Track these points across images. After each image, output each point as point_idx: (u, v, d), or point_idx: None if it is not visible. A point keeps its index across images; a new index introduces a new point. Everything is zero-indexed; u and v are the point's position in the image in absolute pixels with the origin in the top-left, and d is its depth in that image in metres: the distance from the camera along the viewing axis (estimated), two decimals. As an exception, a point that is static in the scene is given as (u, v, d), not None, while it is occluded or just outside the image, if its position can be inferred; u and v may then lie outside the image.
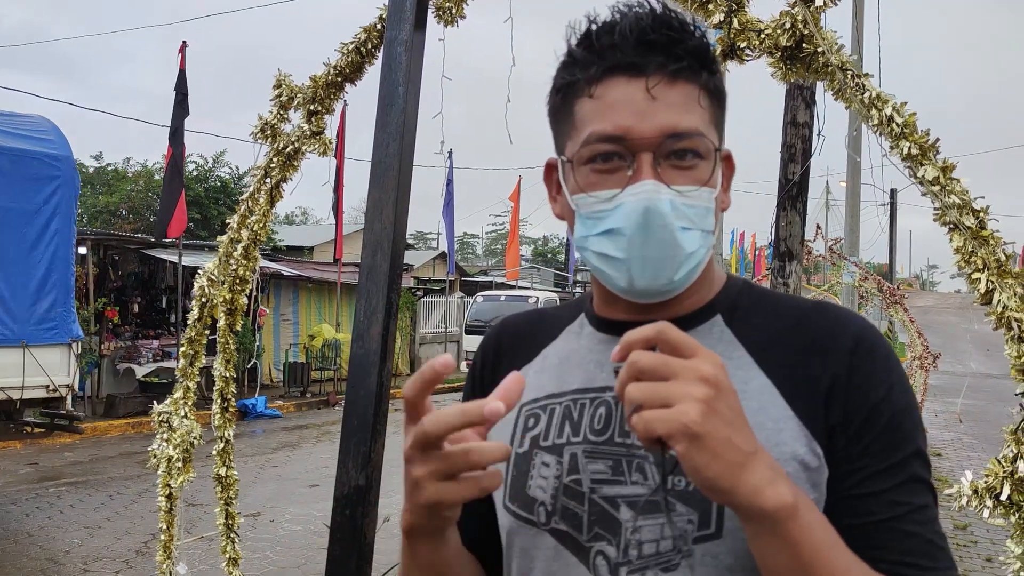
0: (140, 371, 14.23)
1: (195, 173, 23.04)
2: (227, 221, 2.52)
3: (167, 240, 13.43)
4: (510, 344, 1.17)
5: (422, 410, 0.83)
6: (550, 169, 1.07)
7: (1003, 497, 1.46)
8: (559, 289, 30.41)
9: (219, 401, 2.65)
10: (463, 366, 20.00)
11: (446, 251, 23.45)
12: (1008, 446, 1.44)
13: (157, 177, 24.32)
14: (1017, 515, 1.42)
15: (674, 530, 0.91)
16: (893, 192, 26.00)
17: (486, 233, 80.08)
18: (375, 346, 1.94)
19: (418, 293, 23.48)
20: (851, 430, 0.91)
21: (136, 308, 16.02)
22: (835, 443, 0.91)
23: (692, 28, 0.95)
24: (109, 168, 27.01)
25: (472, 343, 19.10)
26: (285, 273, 17.77)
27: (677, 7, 1.94)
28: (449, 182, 20.75)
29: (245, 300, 2.60)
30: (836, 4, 1.64)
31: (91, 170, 27.10)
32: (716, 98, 0.97)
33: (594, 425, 1.01)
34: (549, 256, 60.89)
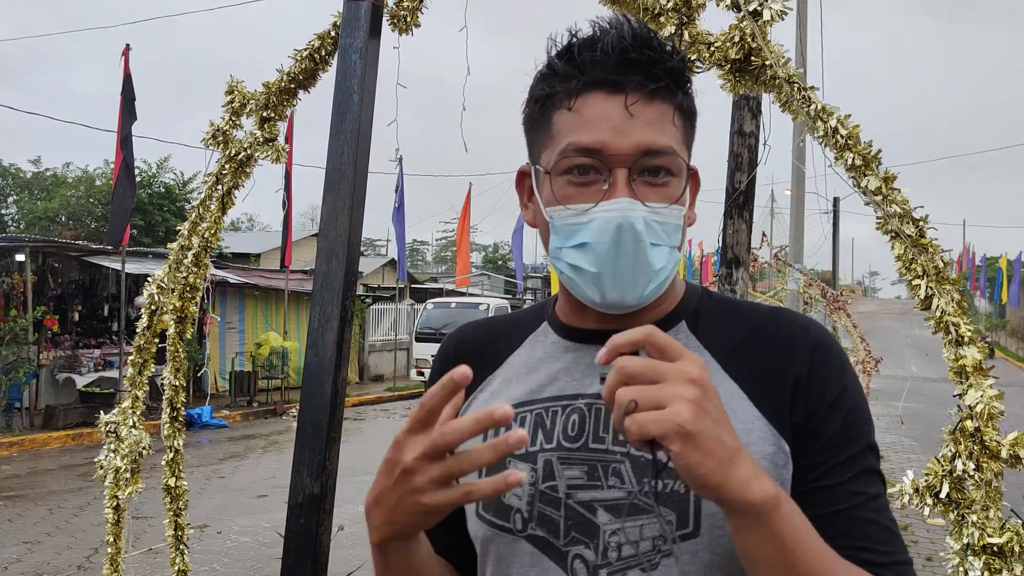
0: (81, 381, 13.87)
1: (138, 179, 22.58)
2: (177, 228, 2.49)
3: (109, 247, 13.14)
4: (470, 353, 1.17)
5: (436, 420, 0.83)
6: (522, 176, 1.09)
7: (942, 495, 1.51)
8: (509, 296, 30.43)
9: (168, 410, 2.61)
10: (412, 373, 19.87)
11: (396, 258, 23.33)
12: (947, 446, 1.49)
13: (99, 182, 23.79)
14: (956, 512, 1.47)
15: (663, 528, 0.94)
16: (836, 201, 26.67)
17: (436, 240, 79.82)
18: (330, 353, 1.94)
19: (367, 300, 23.30)
20: (812, 426, 0.96)
21: (76, 317, 15.62)
22: (799, 439, 0.96)
23: (671, 48, 0.98)
24: (48, 173, 26.34)
25: (422, 351, 18.98)
26: (231, 281, 17.49)
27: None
28: (399, 187, 20.65)
29: (195, 308, 2.57)
30: (783, 19, 1.68)
31: (29, 175, 26.41)
32: (688, 118, 1.01)
33: (568, 432, 1.03)
34: (499, 263, 60.93)
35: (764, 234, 11.81)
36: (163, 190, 23.33)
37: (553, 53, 1.01)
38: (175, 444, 2.64)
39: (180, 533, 2.65)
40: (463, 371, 0.82)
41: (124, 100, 12.07)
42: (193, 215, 2.43)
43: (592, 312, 1.05)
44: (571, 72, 0.97)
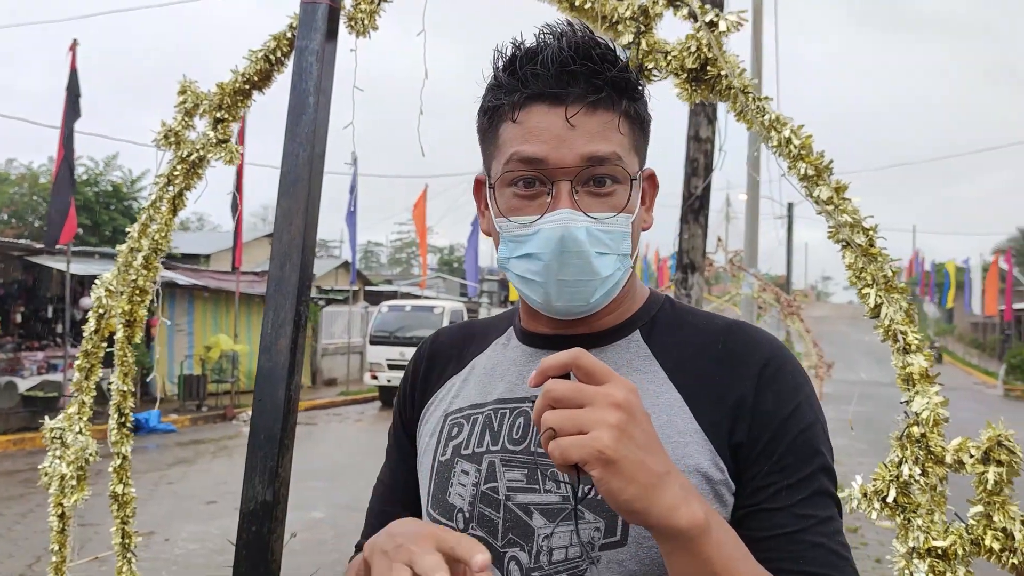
0: (23, 384, 13.49)
1: (84, 177, 22.08)
2: (125, 228, 2.44)
3: (52, 247, 12.82)
4: (440, 355, 1.21)
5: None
6: (479, 184, 1.12)
7: (890, 499, 1.53)
8: (465, 299, 30.33)
9: (116, 416, 2.56)
10: (366, 377, 19.64)
11: (349, 260, 23.16)
12: (894, 451, 1.52)
13: (43, 180, 23.23)
14: (902, 516, 1.50)
15: (588, 536, 0.95)
16: (790, 206, 27.22)
17: (391, 242, 79.23)
18: (283, 359, 1.91)
19: (320, 303, 23.05)
20: (758, 447, 0.96)
21: (19, 318, 15.22)
22: (741, 459, 0.96)
23: (614, 57, 0.99)
24: (-10, 170, 25.65)
25: (376, 354, 18.78)
26: (180, 282, 17.19)
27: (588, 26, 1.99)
28: (353, 189, 20.49)
29: (144, 312, 2.52)
30: (739, 30, 1.71)
31: (-30, 172, 25.69)
32: (638, 124, 1.02)
33: (512, 435, 1.05)
34: (455, 265, 60.80)
35: (720, 238, 11.98)
36: (110, 188, 22.86)
37: (499, 64, 1.03)
38: (122, 450, 2.59)
39: (127, 541, 2.59)
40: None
41: (69, 96, 11.81)
42: (143, 216, 2.38)
43: (545, 317, 1.07)
44: (514, 85, 1.00)
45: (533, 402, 1.05)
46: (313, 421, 16.16)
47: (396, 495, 1.22)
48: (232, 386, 16.78)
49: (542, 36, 1.00)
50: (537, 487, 1.00)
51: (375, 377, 18.83)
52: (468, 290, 30.25)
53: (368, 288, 31.60)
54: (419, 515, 1.13)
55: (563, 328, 1.06)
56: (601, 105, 0.98)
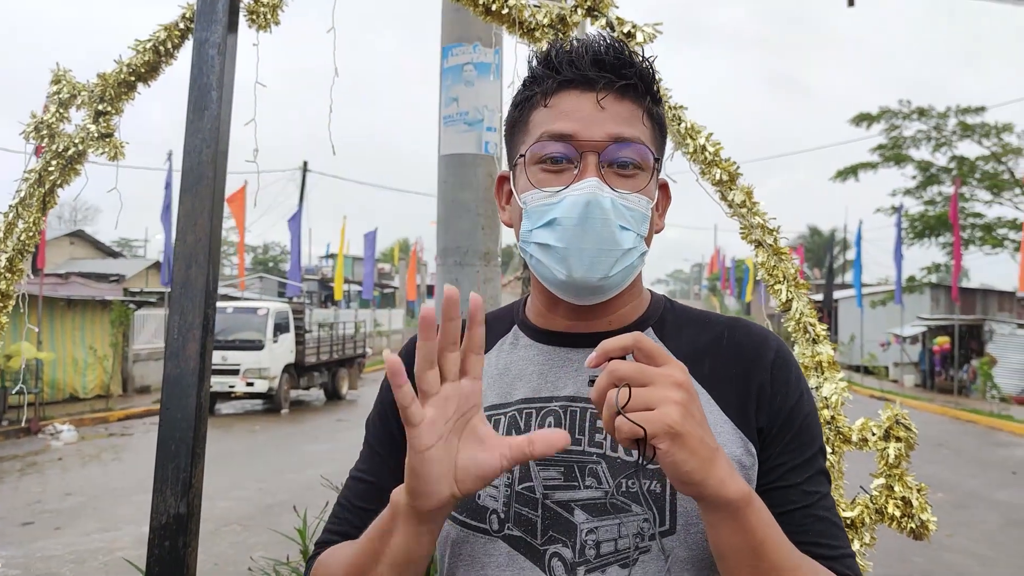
0: None
1: None
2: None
3: None
4: None
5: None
6: (502, 181, 1.15)
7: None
8: (286, 299, 29.24)
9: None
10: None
11: (159, 260, 21.87)
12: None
13: None
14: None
15: (648, 523, 0.99)
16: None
17: (202, 241, 75.05)
18: (193, 365, 1.83)
19: (132, 306, 21.61)
20: (773, 431, 1.04)
21: None
22: (762, 442, 1.04)
23: (641, 60, 1.05)
24: None
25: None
26: (-28, 285, 15.64)
27: (503, 32, 2.02)
28: (168, 186, 19.38)
29: (7, 319, 2.33)
30: (653, 41, 1.80)
31: None
32: (658, 127, 1.08)
33: None
34: (270, 265, 58.76)
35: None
36: None
37: (533, 63, 1.09)
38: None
39: (-13, 569, 2.38)
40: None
41: None
42: (10, 215, 2.20)
43: (561, 310, 1.09)
44: (548, 73, 1.05)
45: (560, 401, 1.07)
46: (129, 431, 15.19)
47: (379, 492, 1.12)
48: (36, 397, 15.45)
49: (576, 39, 1.06)
50: (576, 484, 1.02)
51: (195, 383, 17.83)
52: (288, 289, 29.20)
53: (182, 289, 29.88)
54: None
55: (578, 324, 1.09)
56: (630, 94, 1.03)
